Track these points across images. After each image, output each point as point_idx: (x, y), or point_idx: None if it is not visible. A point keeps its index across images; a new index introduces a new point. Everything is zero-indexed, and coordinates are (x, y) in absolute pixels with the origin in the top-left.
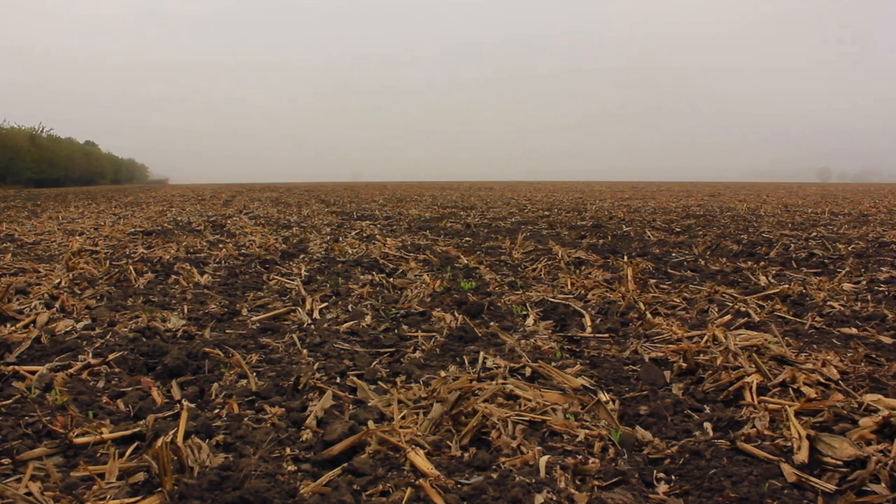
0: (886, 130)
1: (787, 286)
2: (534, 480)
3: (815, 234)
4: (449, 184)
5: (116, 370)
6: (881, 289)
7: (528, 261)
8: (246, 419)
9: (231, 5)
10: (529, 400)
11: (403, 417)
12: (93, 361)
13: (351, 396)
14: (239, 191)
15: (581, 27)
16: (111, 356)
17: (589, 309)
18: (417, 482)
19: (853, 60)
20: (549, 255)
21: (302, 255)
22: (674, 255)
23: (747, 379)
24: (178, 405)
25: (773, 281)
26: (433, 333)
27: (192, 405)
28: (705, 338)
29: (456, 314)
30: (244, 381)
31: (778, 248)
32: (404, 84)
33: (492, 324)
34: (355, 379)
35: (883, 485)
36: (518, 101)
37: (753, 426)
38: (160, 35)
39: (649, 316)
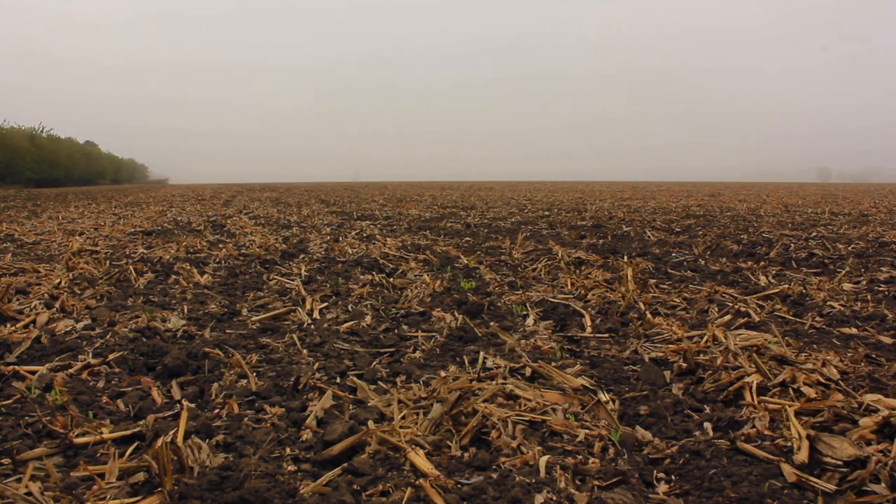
0: (886, 130)
1: (787, 286)
2: (534, 480)
3: (815, 234)
4: (449, 184)
5: (116, 370)
6: (881, 289)
7: (528, 261)
8: (246, 419)
9: (232, 5)
10: (529, 400)
11: (403, 417)
12: (93, 361)
13: (351, 396)
14: (239, 191)
15: (581, 27)
16: (111, 356)
17: (589, 309)
18: (417, 482)
19: (853, 60)
20: (549, 255)
21: (302, 255)
22: (674, 255)
23: (747, 379)
24: (178, 405)
25: (773, 281)
26: (433, 333)
27: (192, 405)
28: (705, 338)
29: (456, 314)
30: (244, 381)
31: (778, 248)
32: (404, 84)
33: (492, 324)
34: (355, 379)
35: (883, 485)
36: (519, 102)
37: (753, 426)
38: (161, 35)
39: (649, 316)
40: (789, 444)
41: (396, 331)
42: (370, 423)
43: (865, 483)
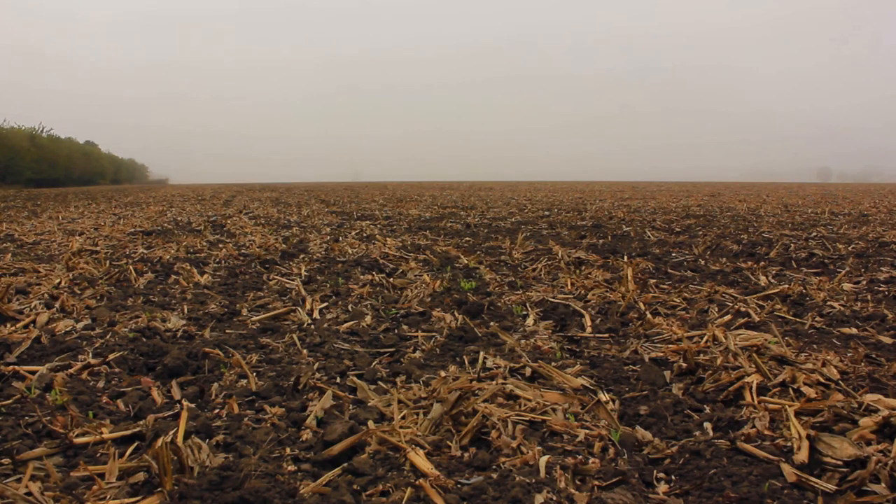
0: (886, 130)
1: (787, 286)
2: (534, 480)
3: (815, 234)
4: (449, 184)
5: (116, 370)
6: (881, 289)
7: (528, 261)
8: (246, 419)
9: (232, 5)
10: (529, 400)
11: (403, 417)
12: (93, 361)
13: (351, 396)
14: (239, 191)
15: (581, 27)
16: (111, 356)
17: (589, 309)
18: (417, 482)
19: (854, 60)
20: (549, 255)
21: (302, 255)
22: (674, 255)
23: (747, 379)
24: (178, 405)
25: (773, 281)
26: (433, 333)
27: (192, 405)
28: (705, 338)
29: (456, 314)
30: (244, 381)
31: (778, 248)
32: (404, 84)
33: (492, 324)
34: (355, 379)
35: (883, 485)
36: (519, 101)
37: (753, 426)
38: (161, 35)
39: (649, 316)
40: (789, 444)
41: (396, 331)
42: (370, 423)
43: (865, 483)
